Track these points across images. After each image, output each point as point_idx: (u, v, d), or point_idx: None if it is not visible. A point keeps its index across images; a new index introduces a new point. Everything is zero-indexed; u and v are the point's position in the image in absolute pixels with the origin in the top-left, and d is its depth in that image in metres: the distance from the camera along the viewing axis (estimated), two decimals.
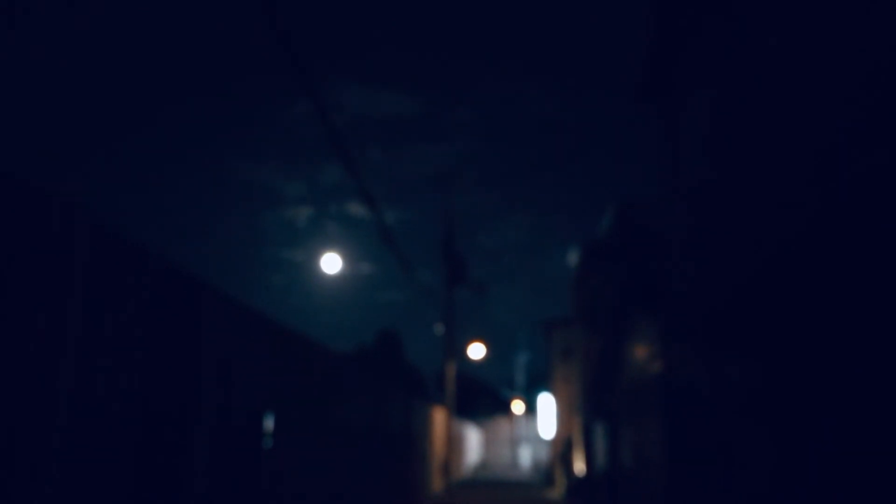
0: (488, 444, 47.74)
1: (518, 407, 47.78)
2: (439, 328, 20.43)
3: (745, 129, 6.74)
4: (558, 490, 23.58)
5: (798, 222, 5.49)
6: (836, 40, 4.90)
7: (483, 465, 46.97)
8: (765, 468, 6.19)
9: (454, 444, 26.22)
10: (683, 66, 9.11)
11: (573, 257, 23.83)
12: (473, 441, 40.09)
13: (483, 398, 57.59)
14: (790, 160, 5.65)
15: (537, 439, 45.67)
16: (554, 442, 29.04)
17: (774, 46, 6.01)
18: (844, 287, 4.79)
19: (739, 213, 6.85)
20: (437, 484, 18.46)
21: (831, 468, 4.93)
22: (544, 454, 44.52)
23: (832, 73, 4.95)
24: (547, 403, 31.06)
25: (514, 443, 47.21)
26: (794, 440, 5.56)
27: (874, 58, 4.37)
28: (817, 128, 5.17)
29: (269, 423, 4.99)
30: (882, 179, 4.25)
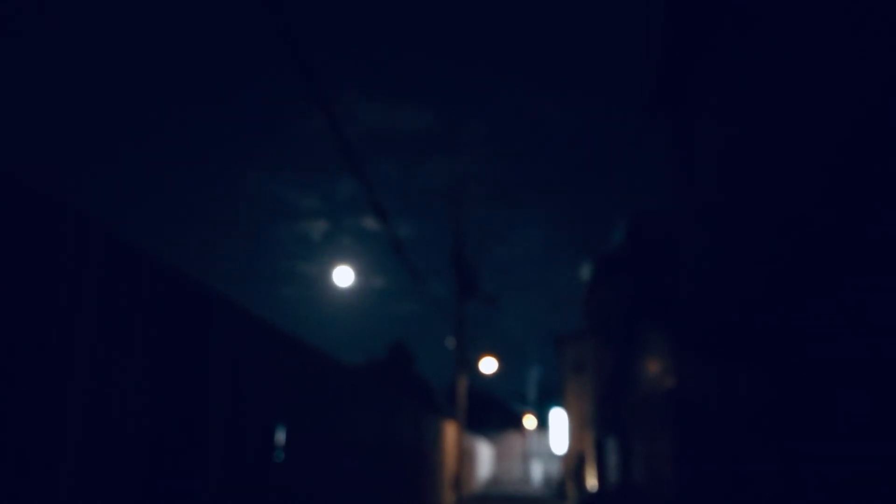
0: (500, 458, 47.48)
1: (530, 421, 47.53)
2: (451, 342, 20.40)
3: (757, 142, 6.73)
4: None
5: (811, 236, 5.47)
6: (850, 54, 4.91)
7: (494, 479, 46.71)
8: (776, 484, 6.14)
9: (465, 458, 26.11)
10: (695, 79, 9.13)
11: (585, 271, 23.77)
12: (485, 455, 39.90)
13: (494, 412, 57.36)
14: (803, 173, 5.64)
15: (549, 454, 45.39)
16: (566, 457, 28.85)
17: (787, 61, 6.02)
18: (858, 300, 4.77)
19: (751, 226, 6.83)
20: (448, 498, 18.39)
21: (842, 484, 4.89)
22: (556, 469, 44.23)
23: (845, 87, 4.95)
24: (559, 418, 30.89)
25: (526, 457, 46.93)
26: (805, 456, 5.52)
27: (889, 72, 4.38)
28: (830, 142, 5.17)
29: (280, 436, 5.01)
30: (892, 191, 4.25)
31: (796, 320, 5.79)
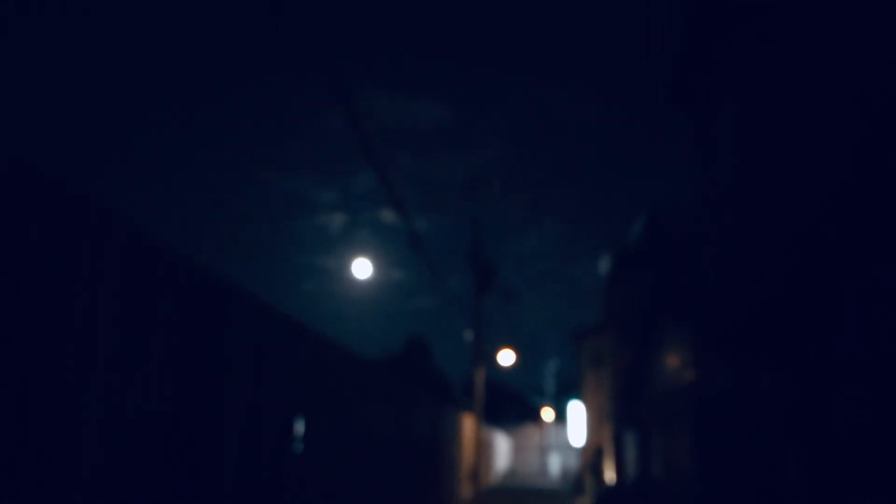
0: (517, 451, 47.50)
1: (547, 414, 47.49)
2: (468, 335, 20.42)
3: (777, 136, 6.66)
4: (588, 498, 23.39)
5: (832, 231, 5.41)
6: (869, 50, 4.84)
7: (512, 472, 46.75)
8: (798, 479, 6.09)
9: (483, 450, 26.14)
10: (716, 73, 9.04)
11: (604, 265, 23.68)
12: (502, 448, 39.94)
13: (512, 405, 57.37)
14: (826, 168, 5.58)
15: (567, 447, 45.34)
16: (583, 450, 28.82)
17: (813, 55, 5.94)
18: (880, 297, 4.71)
19: (771, 221, 6.76)
20: (465, 490, 18.43)
21: (865, 482, 4.85)
22: (574, 462, 44.19)
23: (863, 82, 4.88)
24: (577, 411, 30.86)
25: (544, 450, 46.92)
26: (827, 452, 5.47)
27: None
28: (850, 137, 5.10)
29: (298, 428, 5.04)
30: None
31: (817, 316, 5.73)
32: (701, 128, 9.87)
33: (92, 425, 2.64)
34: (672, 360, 11.66)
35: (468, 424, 19.08)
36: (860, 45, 5.02)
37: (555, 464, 45.52)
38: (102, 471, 2.70)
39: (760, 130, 7.17)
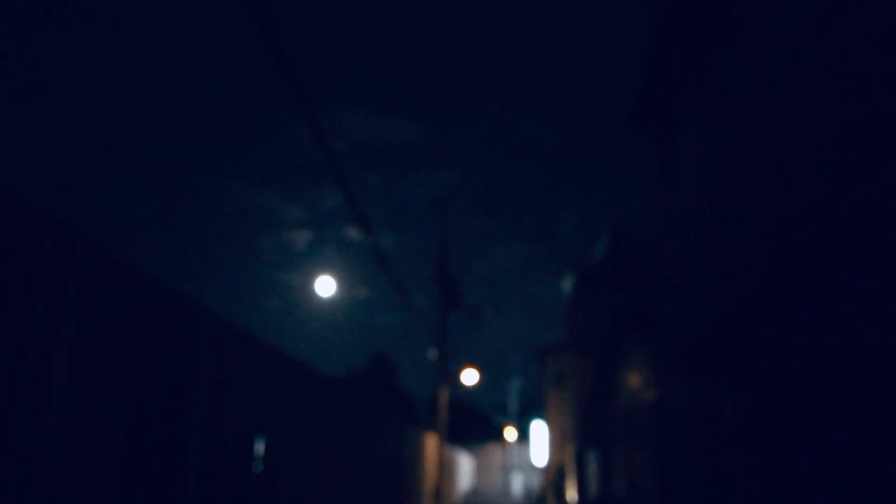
0: (480, 470, 47.34)
1: (510, 434, 47.49)
2: (432, 353, 20.35)
3: (740, 158, 6.80)
4: None
5: (791, 253, 5.52)
6: (832, 76, 4.98)
7: (475, 492, 46.55)
8: (759, 497, 6.16)
9: (446, 470, 25.99)
10: (680, 94, 9.21)
11: (567, 283, 23.85)
12: (465, 468, 39.77)
13: (475, 424, 57.25)
14: (785, 190, 5.70)
15: (529, 466, 45.33)
16: (546, 469, 28.83)
17: (772, 78, 6.09)
18: (838, 317, 4.81)
19: (733, 242, 6.88)
20: None
21: (826, 496, 4.92)
22: (536, 481, 44.17)
23: (827, 108, 5.02)
24: (539, 430, 30.90)
25: (507, 470, 46.84)
26: (787, 471, 5.55)
27: (869, 96, 4.44)
28: (810, 161, 5.23)
29: (259, 447, 4.96)
30: (873, 213, 4.29)
31: (778, 335, 5.83)
32: (667, 148, 10.04)
33: (49, 442, 2.56)
34: (634, 380, 11.75)
35: (431, 444, 18.98)
36: (838, 56, 5.16)
37: (517, 483, 45.45)
38: (60, 494, 2.62)
39: (731, 149, 7.32)
